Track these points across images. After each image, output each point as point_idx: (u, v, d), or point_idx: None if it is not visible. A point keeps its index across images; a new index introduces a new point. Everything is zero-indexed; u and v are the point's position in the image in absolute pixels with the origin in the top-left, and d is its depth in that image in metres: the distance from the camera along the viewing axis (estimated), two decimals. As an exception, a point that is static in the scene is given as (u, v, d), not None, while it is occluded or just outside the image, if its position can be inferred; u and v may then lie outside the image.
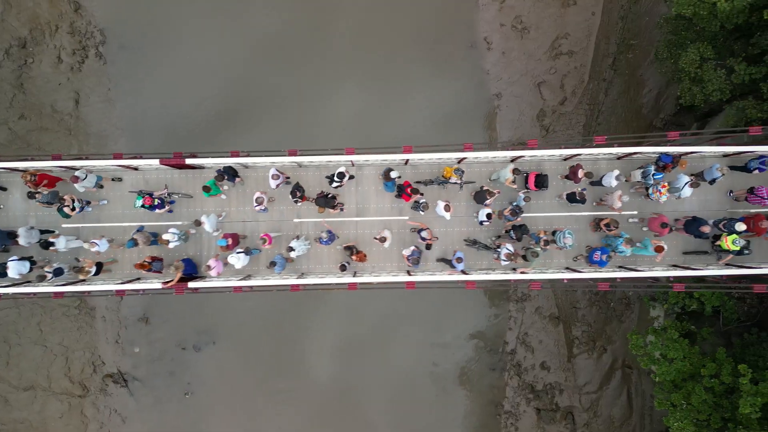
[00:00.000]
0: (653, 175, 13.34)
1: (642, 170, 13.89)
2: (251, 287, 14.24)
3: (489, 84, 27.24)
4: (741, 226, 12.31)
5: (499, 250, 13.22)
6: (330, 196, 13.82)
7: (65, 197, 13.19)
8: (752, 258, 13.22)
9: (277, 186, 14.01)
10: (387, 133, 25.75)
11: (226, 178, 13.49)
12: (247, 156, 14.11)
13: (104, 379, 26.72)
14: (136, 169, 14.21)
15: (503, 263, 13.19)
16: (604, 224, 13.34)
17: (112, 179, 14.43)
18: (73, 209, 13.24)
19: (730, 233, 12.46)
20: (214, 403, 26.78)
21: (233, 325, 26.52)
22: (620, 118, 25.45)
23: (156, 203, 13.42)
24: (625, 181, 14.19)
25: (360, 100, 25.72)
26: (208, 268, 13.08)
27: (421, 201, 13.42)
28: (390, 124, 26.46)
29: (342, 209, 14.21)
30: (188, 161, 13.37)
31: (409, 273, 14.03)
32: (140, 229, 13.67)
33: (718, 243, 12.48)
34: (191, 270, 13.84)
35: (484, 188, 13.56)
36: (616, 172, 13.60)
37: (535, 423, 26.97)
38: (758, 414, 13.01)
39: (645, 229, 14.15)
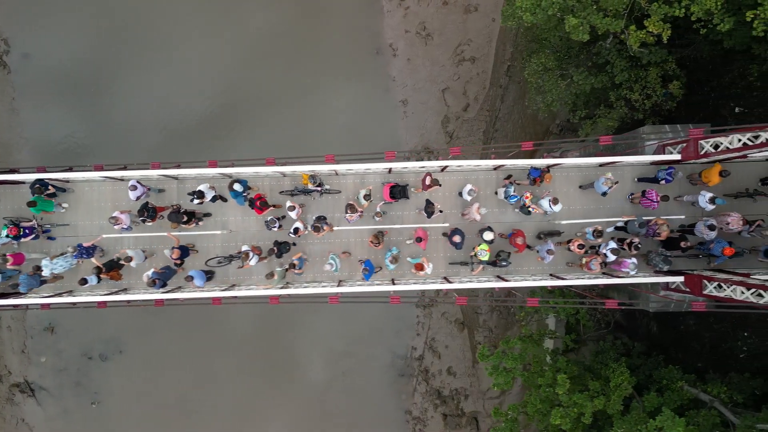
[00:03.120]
0: (510, 198, 13.41)
1: (504, 189, 13.91)
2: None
3: (395, 90, 27.23)
4: (488, 235, 12.46)
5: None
6: (183, 211, 13.64)
7: None
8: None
9: (138, 198, 13.75)
10: (294, 143, 25.73)
11: (48, 192, 13.34)
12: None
13: (11, 389, 26.65)
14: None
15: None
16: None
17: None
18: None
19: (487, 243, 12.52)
20: (121, 412, 26.75)
21: (140, 333, 26.46)
22: (517, 124, 25.49)
23: (22, 233, 13.05)
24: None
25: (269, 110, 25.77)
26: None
27: (270, 218, 13.28)
28: (300, 134, 26.38)
29: (198, 223, 13.99)
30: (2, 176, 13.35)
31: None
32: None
33: (472, 253, 12.51)
34: None
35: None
36: (469, 187, 13.58)
37: (442, 428, 27.04)
38: (569, 425, 13.09)
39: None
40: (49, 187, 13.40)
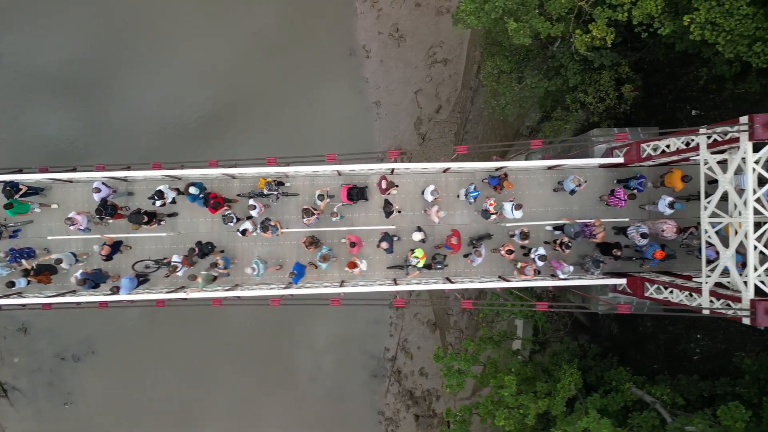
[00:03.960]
0: (470, 193, 13.47)
1: (464, 189, 13.96)
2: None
3: (368, 92, 27.28)
4: (417, 236, 12.59)
5: None
6: (143, 212, 13.64)
7: None
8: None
9: (102, 200, 13.61)
10: (267, 146, 25.74)
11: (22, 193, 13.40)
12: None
13: (-16, 390, 26.68)
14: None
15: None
16: None
17: None
18: None
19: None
20: (94, 412, 26.80)
21: (111, 334, 26.51)
22: (487, 126, 25.57)
23: None
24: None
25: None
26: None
27: (227, 213, 13.42)
28: (273, 137, 26.42)
29: (160, 224, 13.99)
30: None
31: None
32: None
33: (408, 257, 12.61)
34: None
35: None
36: (431, 187, 13.53)
37: (415, 429, 27.10)
38: (512, 426, 13.17)
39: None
40: (20, 188, 13.31)
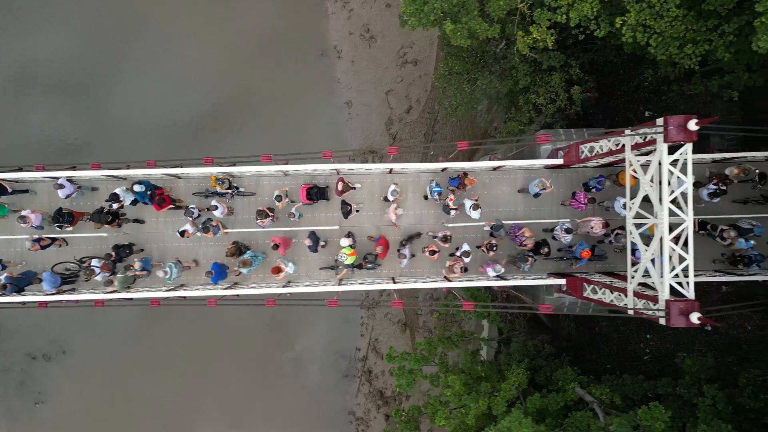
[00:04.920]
0: (433, 190, 13.54)
1: (428, 186, 14.01)
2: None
3: (340, 92, 27.36)
4: (344, 241, 12.69)
5: None
6: (106, 211, 13.64)
7: None
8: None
9: (67, 197, 13.79)
10: (238, 145, 25.78)
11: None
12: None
13: (-45, 389, 26.73)
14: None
15: None
16: None
17: None
18: None
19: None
20: (65, 412, 26.85)
21: (83, 334, 26.57)
22: (455, 127, 25.65)
23: None
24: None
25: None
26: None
27: (190, 207, 13.46)
28: (248, 138, 26.45)
29: (120, 225, 13.97)
30: None
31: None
32: None
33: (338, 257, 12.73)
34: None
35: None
36: (392, 187, 13.57)
37: (385, 429, 27.13)
38: (453, 426, 13.24)
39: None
40: (6, 189, 13.49)
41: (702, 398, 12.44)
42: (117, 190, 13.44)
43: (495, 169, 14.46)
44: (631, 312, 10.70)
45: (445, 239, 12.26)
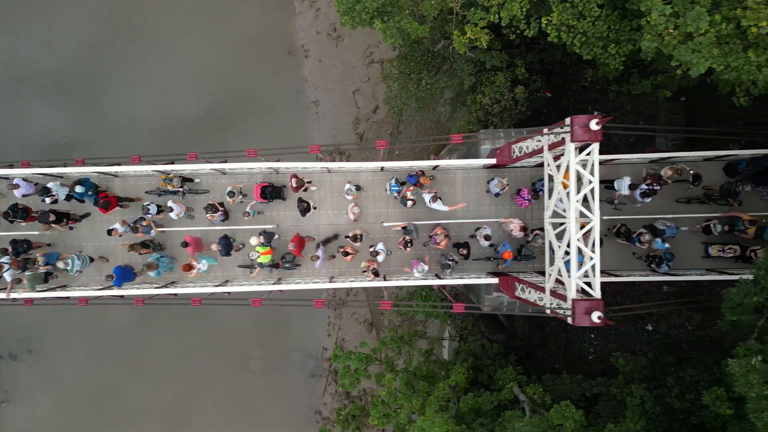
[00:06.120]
0: (392, 187, 13.59)
1: (388, 184, 14.02)
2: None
3: (308, 91, 27.40)
4: (253, 240, 12.70)
5: None
6: (48, 211, 13.43)
7: None
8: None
9: (24, 196, 13.73)
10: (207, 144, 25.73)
11: None
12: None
13: None
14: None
15: None
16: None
17: None
18: None
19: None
20: (32, 411, 26.85)
21: (49, 332, 26.57)
22: (420, 127, 25.66)
23: None
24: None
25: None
26: None
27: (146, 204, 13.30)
28: (217, 136, 26.44)
29: (70, 224, 13.91)
30: None
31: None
32: None
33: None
34: None
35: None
36: (347, 186, 13.58)
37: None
38: (384, 425, 13.24)
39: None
40: None
41: (630, 398, 12.45)
42: (49, 185, 13.32)
43: (434, 168, 14.47)
44: (548, 311, 10.71)
45: (355, 238, 12.27)
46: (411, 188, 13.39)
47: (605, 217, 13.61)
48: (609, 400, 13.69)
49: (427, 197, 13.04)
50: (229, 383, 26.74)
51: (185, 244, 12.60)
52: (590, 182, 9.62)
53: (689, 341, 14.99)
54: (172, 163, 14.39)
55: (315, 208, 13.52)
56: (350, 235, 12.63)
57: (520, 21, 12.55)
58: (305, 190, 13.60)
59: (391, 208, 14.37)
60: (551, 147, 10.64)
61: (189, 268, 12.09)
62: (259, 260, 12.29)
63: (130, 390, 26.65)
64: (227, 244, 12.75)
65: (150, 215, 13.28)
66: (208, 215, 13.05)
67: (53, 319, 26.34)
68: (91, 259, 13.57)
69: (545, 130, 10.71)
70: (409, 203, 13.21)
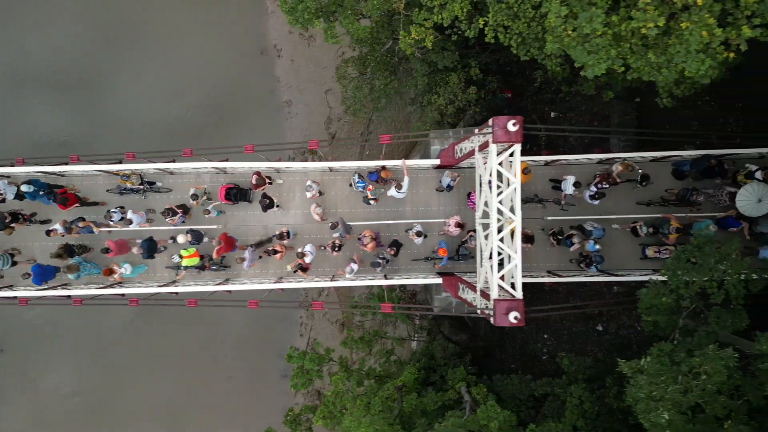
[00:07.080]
0: (357, 183, 13.61)
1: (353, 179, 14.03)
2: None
3: (280, 91, 27.43)
4: (180, 238, 12.65)
5: None
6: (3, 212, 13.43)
7: None
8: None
9: None
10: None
11: None
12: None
13: None
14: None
15: None
16: None
17: None
18: None
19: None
20: (3, 411, 26.86)
21: (20, 331, 26.56)
22: (390, 127, 25.66)
23: None
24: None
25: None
26: None
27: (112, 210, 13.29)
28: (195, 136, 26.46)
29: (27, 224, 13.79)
30: None
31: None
32: None
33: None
34: None
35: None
36: (308, 182, 13.52)
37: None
38: (329, 425, 13.27)
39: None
40: None
41: (570, 398, 12.47)
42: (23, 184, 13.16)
43: (382, 168, 14.48)
44: (478, 311, 10.73)
45: (281, 236, 12.29)
46: (371, 187, 13.41)
47: (550, 218, 13.66)
48: (554, 401, 13.72)
49: (393, 191, 13.07)
50: (204, 385, 26.76)
51: (107, 250, 12.43)
52: (509, 183, 9.63)
53: (638, 341, 15.01)
54: (120, 162, 14.38)
55: (278, 206, 13.39)
56: (276, 233, 12.61)
57: (462, 21, 12.55)
58: (270, 183, 13.55)
59: (355, 207, 14.29)
60: (481, 148, 10.66)
61: (110, 272, 12.04)
62: (183, 263, 12.19)
63: (99, 393, 26.64)
64: (149, 247, 12.59)
65: (112, 222, 13.14)
66: (167, 219, 12.91)
67: (22, 318, 26.35)
68: (14, 262, 13.39)
69: (476, 131, 10.73)
70: (372, 202, 13.27)
